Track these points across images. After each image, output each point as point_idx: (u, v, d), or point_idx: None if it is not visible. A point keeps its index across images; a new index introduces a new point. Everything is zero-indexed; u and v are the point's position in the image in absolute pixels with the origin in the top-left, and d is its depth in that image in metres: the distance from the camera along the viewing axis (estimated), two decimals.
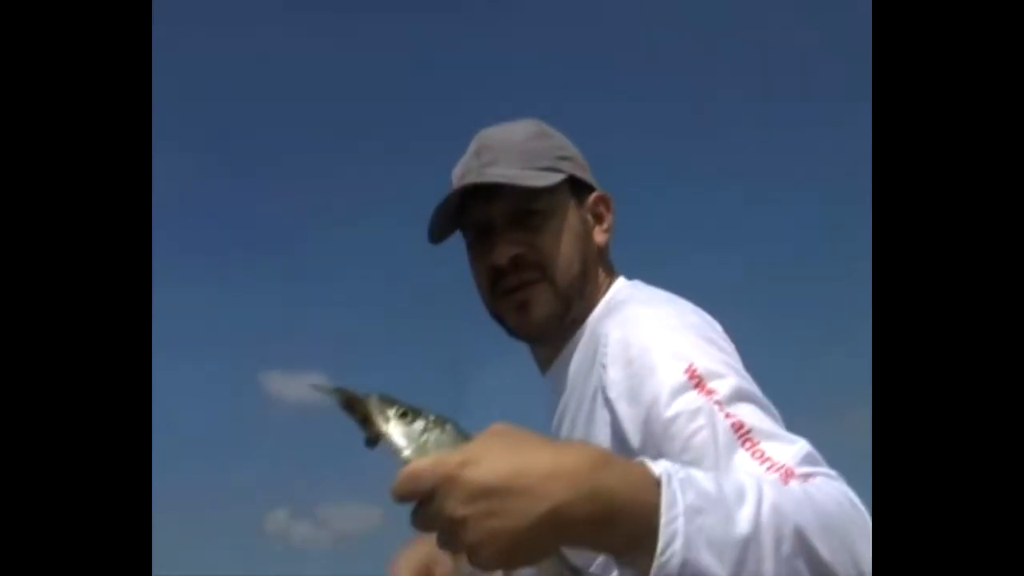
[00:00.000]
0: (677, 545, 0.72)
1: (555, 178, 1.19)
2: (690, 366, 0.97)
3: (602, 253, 1.26)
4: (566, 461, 0.73)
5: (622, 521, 0.72)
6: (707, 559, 0.72)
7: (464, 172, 1.21)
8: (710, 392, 0.95)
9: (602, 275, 1.25)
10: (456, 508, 0.71)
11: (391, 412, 0.78)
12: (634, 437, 0.98)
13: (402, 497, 0.74)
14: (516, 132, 1.23)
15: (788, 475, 0.87)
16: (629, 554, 0.74)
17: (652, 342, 1.03)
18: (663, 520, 0.72)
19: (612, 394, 1.03)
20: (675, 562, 0.72)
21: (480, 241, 1.22)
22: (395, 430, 0.78)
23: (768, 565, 0.74)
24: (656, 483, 0.74)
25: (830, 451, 0.94)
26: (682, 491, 0.73)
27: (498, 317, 1.23)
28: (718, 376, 0.97)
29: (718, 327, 1.10)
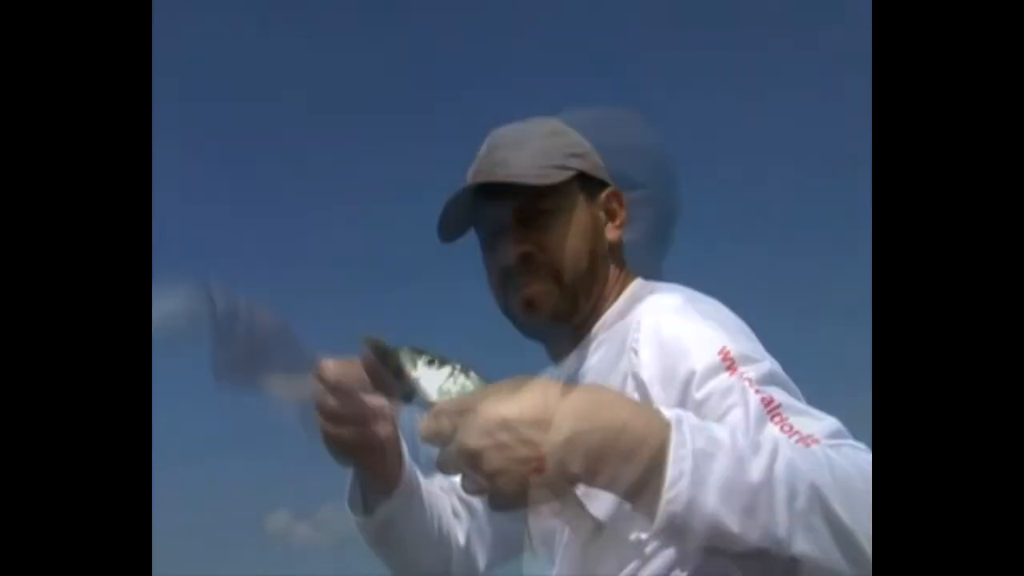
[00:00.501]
0: (684, 484, 0.73)
1: (563, 176, 1.18)
2: (723, 348, 0.98)
3: (614, 249, 1.24)
4: (582, 397, 0.77)
5: (632, 457, 0.75)
6: (714, 502, 0.73)
7: (476, 171, 1.22)
8: (742, 374, 0.96)
9: (615, 271, 1.23)
10: (474, 440, 0.75)
11: (420, 360, 0.86)
12: None
13: (429, 437, 0.78)
14: (528, 131, 1.23)
15: (812, 443, 0.87)
16: (639, 494, 0.76)
17: (685, 327, 1.04)
18: (670, 458, 0.74)
19: (644, 376, 1.03)
20: (681, 500, 0.73)
21: (491, 240, 1.22)
22: (424, 377, 0.85)
23: (781, 518, 0.75)
24: (667, 425, 0.76)
25: None
26: (692, 435, 0.75)
27: (509, 315, 1.23)
28: (751, 360, 0.98)
29: (741, 321, 1.10)
